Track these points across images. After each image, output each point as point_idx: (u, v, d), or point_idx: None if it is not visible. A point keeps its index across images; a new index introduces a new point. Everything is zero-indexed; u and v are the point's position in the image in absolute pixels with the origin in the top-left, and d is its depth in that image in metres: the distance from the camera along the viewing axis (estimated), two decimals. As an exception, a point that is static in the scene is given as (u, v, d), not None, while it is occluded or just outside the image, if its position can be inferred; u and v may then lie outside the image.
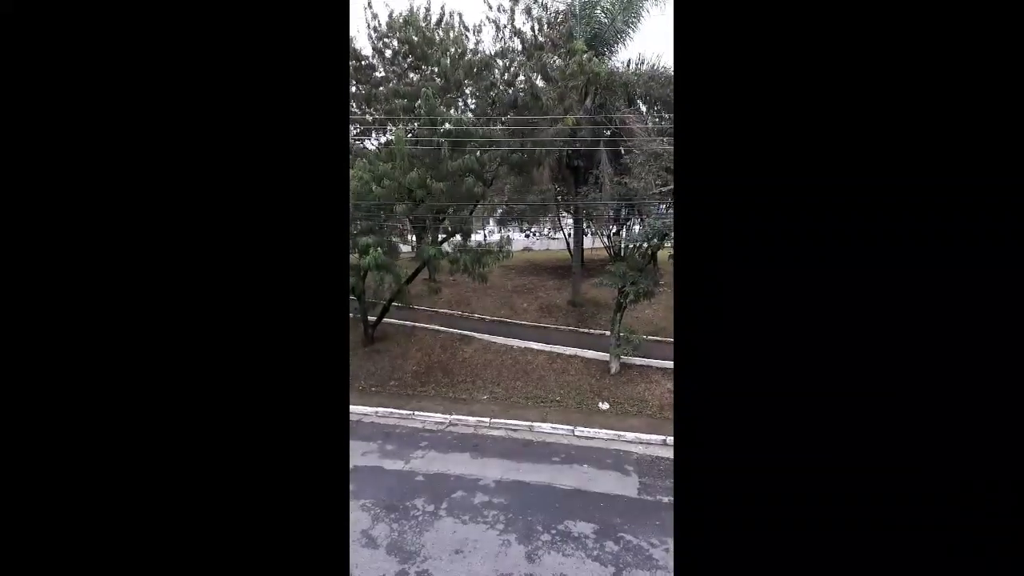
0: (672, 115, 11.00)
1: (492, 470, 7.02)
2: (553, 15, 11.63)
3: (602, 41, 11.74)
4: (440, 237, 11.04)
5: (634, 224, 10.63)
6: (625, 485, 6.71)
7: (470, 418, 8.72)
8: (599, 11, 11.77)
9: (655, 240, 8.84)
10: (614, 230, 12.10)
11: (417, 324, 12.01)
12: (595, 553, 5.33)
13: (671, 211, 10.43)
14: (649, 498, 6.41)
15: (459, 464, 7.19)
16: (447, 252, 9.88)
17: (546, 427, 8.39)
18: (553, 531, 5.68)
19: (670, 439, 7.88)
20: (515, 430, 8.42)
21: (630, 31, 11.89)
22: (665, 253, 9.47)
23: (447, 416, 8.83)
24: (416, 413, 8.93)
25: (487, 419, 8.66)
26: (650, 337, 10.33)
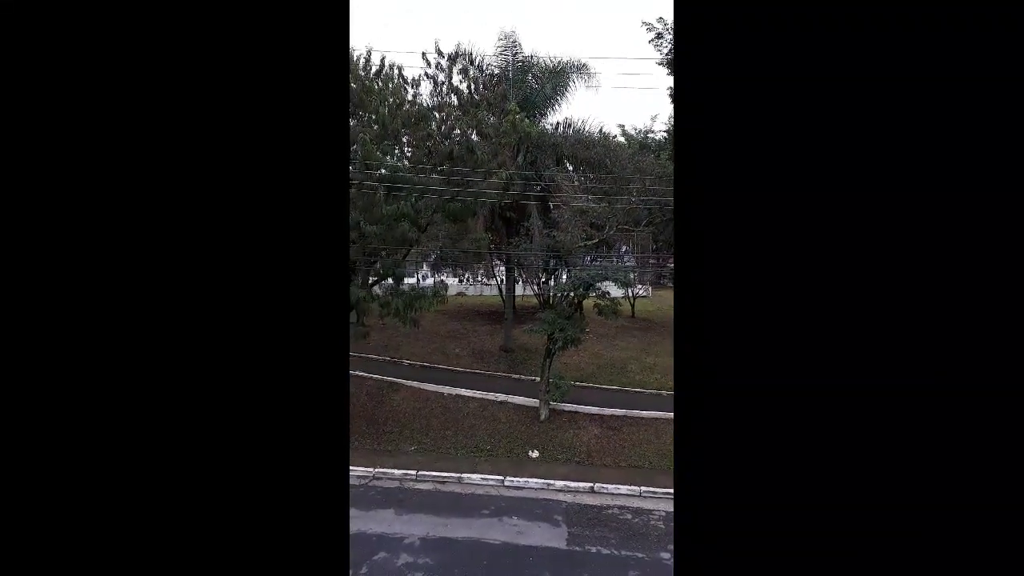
0: (596, 175, 11.98)
1: (418, 527, 6.69)
2: (488, 77, 12.42)
3: (533, 104, 12.66)
4: (371, 279, 10.80)
5: (562, 274, 11.16)
6: (554, 536, 6.68)
7: (396, 471, 8.31)
8: (531, 77, 12.77)
9: (580, 290, 9.33)
10: (543, 279, 12.59)
11: (342, 371, 11.43)
12: (523, 611, 5.20)
13: (595, 263, 11.11)
14: (578, 548, 6.41)
15: (382, 522, 6.80)
16: (378, 295, 9.67)
17: (476, 478, 8.19)
18: (481, 590, 5.49)
19: (597, 486, 8.01)
20: (443, 482, 8.13)
21: (558, 98, 12.98)
22: (590, 302, 9.98)
23: (370, 469, 8.34)
24: (336, 468, 8.36)
25: (414, 471, 8.29)
26: (577, 383, 10.63)
